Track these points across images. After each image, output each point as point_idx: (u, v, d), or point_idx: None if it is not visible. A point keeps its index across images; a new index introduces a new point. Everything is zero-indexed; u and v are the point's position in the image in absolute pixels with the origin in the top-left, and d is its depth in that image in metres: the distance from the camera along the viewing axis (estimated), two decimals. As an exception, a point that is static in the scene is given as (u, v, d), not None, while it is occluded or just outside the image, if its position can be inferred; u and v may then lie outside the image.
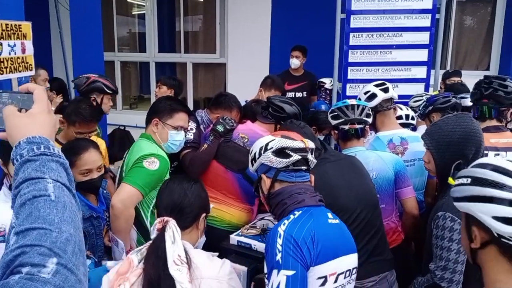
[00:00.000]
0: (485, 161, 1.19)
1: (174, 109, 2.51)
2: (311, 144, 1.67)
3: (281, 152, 1.61)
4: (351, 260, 1.62)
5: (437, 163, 2.02)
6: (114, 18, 7.13)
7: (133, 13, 7.62)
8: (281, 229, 1.50)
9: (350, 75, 4.59)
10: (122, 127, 6.01)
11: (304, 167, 1.65)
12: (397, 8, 4.39)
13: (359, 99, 2.85)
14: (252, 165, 1.73)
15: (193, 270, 1.44)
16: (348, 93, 4.56)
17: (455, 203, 1.24)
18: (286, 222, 1.52)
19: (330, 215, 1.63)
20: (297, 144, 1.63)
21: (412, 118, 3.33)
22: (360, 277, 2.01)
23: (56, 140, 2.58)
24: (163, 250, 1.43)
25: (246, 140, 2.69)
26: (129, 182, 2.23)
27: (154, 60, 6.92)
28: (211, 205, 2.49)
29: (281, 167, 1.62)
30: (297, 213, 1.56)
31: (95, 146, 2.19)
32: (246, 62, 6.19)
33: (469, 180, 1.17)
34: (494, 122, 2.53)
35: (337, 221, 1.64)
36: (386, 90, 2.82)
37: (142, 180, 2.25)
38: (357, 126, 2.50)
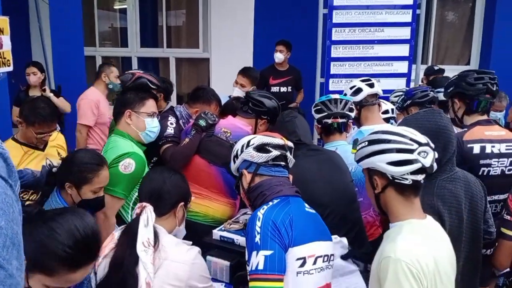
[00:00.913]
0: (380, 129, 1.60)
1: (144, 97, 2.52)
2: (290, 143, 1.79)
3: (262, 148, 1.72)
4: (328, 246, 1.71)
5: None
6: (95, 13, 7.01)
7: (114, 7, 7.51)
8: (260, 213, 1.59)
9: (333, 70, 4.63)
10: (104, 123, 5.93)
11: (283, 163, 1.76)
12: (379, 4, 4.43)
13: (345, 94, 2.88)
14: (234, 162, 1.81)
15: (159, 251, 1.56)
16: (331, 88, 4.59)
17: (359, 164, 1.63)
18: (265, 207, 1.62)
19: (307, 204, 1.73)
20: (277, 141, 1.75)
21: (394, 112, 3.41)
22: None
23: (14, 139, 2.54)
24: (135, 232, 1.54)
25: (228, 134, 2.68)
26: (107, 191, 2.20)
27: (136, 55, 6.84)
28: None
29: (261, 162, 1.72)
30: (275, 201, 1.65)
31: (106, 161, 2.14)
32: (229, 57, 6.16)
33: (366, 143, 1.57)
34: (485, 116, 2.57)
35: (313, 211, 1.74)
36: (371, 86, 2.86)
37: (120, 187, 2.24)
38: (340, 120, 2.53)
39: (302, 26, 5.58)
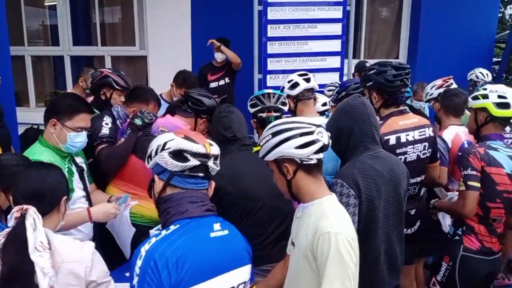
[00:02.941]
0: (278, 122, 1.69)
1: (75, 110, 2.36)
2: (214, 150, 1.54)
3: (178, 155, 1.48)
4: (237, 275, 1.53)
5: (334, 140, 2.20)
6: (22, 10, 6.66)
7: (45, 4, 7.16)
8: (144, 249, 1.38)
9: (270, 66, 4.71)
10: (35, 126, 5.67)
11: (201, 174, 1.51)
12: (311, 0, 4.57)
13: (283, 87, 2.98)
14: (148, 162, 1.58)
15: (54, 255, 1.47)
16: (269, 84, 4.68)
17: (266, 158, 1.68)
18: (153, 240, 1.40)
19: (217, 226, 1.51)
20: (198, 148, 1.49)
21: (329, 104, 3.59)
22: (269, 261, 2.13)
23: None
24: (23, 237, 1.42)
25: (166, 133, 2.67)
26: None
27: (68, 54, 6.58)
28: (135, 202, 2.48)
29: (176, 171, 1.48)
30: (172, 228, 1.44)
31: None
32: (167, 55, 6.09)
33: (270, 136, 1.65)
34: (400, 107, 2.74)
35: (224, 232, 1.52)
36: (308, 80, 2.97)
37: None
38: (274, 114, 2.63)
39: (238, 23, 5.61)
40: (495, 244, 2.54)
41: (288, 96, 2.91)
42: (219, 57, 5.27)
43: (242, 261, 1.55)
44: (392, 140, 2.54)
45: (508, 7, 18.69)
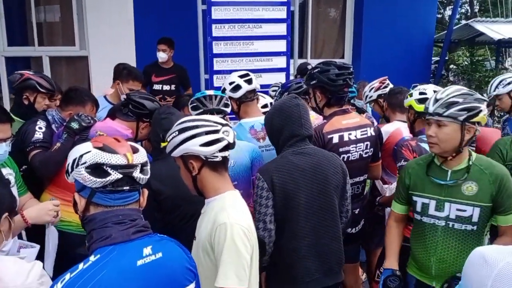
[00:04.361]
0: (185, 119, 1.72)
1: None
2: (139, 159, 1.37)
3: (96, 169, 1.30)
4: None
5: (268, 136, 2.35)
6: (-51, 8, 6.20)
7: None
8: None
9: (216, 66, 4.65)
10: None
11: (127, 187, 1.34)
12: (255, 0, 4.56)
13: (224, 89, 2.92)
14: (67, 177, 1.39)
15: None
16: (216, 84, 4.61)
17: (172, 154, 1.71)
18: (67, 277, 1.22)
19: (147, 250, 1.32)
20: (118, 159, 1.32)
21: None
22: None
23: None
24: None
25: (104, 137, 2.56)
26: None
27: (3, 55, 6.20)
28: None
29: (96, 187, 1.31)
30: (91, 259, 1.26)
31: None
32: (110, 54, 5.84)
33: (177, 132, 1.68)
34: (343, 106, 2.78)
35: (157, 255, 1.33)
36: (250, 82, 2.93)
37: None
38: (217, 116, 2.57)
39: (182, 22, 5.53)
40: None
41: (231, 98, 2.86)
42: (161, 56, 5.17)
43: (180, 284, 1.37)
44: (335, 138, 2.57)
45: (448, 8, 19.67)
